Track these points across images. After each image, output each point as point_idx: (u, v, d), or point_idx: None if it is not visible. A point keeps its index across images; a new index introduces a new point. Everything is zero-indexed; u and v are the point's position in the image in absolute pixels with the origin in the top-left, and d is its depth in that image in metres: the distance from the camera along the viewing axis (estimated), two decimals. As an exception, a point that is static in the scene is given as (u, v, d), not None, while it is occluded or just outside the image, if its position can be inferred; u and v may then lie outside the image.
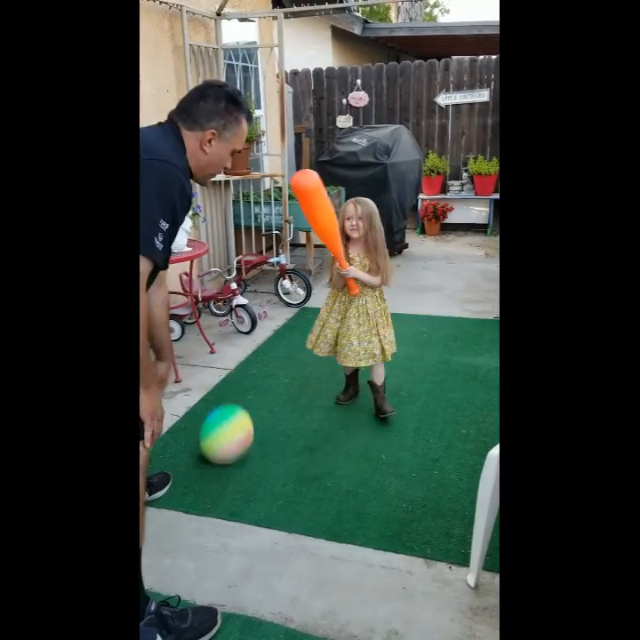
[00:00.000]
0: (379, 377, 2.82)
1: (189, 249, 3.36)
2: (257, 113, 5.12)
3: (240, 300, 3.84)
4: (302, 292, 4.42)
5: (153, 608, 1.56)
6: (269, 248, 4.94)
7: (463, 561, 1.85)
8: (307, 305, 4.41)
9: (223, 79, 4.74)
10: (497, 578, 1.81)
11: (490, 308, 4.21)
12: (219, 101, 1.54)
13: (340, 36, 8.55)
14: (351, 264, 2.68)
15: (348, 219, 2.64)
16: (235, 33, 5.11)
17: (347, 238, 2.69)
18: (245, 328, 3.92)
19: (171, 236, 1.48)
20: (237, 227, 4.93)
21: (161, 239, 1.42)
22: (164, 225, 1.43)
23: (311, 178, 2.48)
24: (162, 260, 1.48)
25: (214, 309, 4.20)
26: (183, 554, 1.95)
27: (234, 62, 5.05)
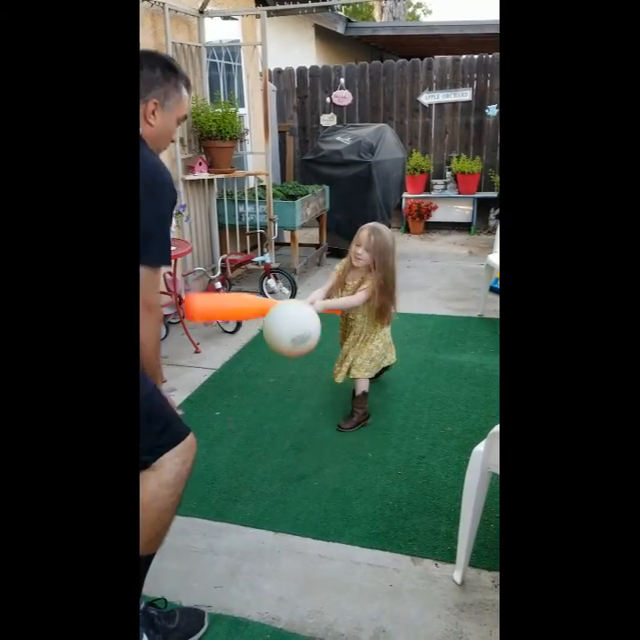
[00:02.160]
0: (358, 386, 2.78)
1: (173, 248, 3.33)
2: (241, 111, 5.09)
3: None
4: (287, 291, 4.41)
5: (141, 607, 1.55)
6: (254, 247, 4.92)
7: (449, 558, 1.86)
8: (292, 304, 4.40)
9: (206, 77, 4.71)
10: (483, 574, 1.82)
11: (474, 306, 4.23)
12: (153, 70, 1.48)
13: (323, 34, 8.55)
14: (345, 290, 2.65)
15: (358, 245, 2.54)
16: (218, 31, 5.08)
17: (350, 260, 2.61)
18: (230, 327, 3.91)
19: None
20: (221, 225, 4.91)
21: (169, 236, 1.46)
22: (169, 222, 1.46)
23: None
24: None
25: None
26: (168, 555, 1.93)
27: (217, 60, 5.02)
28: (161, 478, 1.46)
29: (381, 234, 2.53)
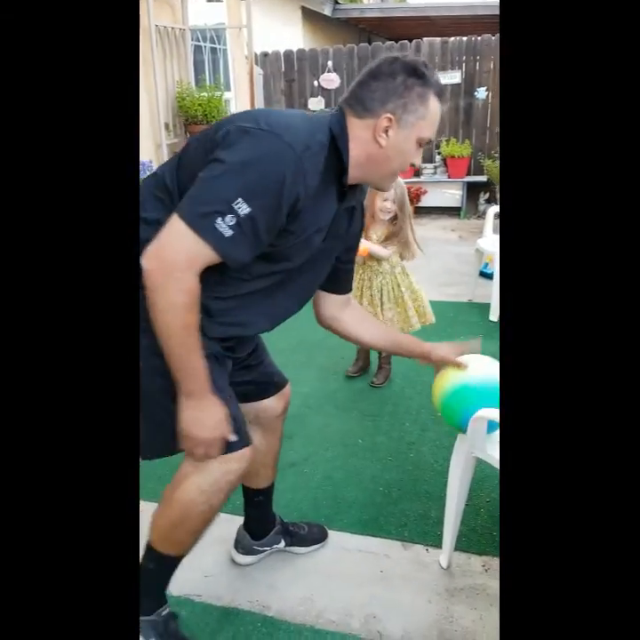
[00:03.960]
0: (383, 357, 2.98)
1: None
2: (227, 95, 5.02)
3: None
4: None
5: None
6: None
7: (440, 543, 1.86)
8: (281, 291, 4.37)
9: (191, 61, 4.64)
10: (473, 558, 1.83)
11: (464, 291, 4.22)
12: (394, 77, 1.18)
13: (310, 17, 8.43)
14: (369, 240, 2.75)
15: (385, 200, 2.65)
16: (202, 13, 4.99)
17: (371, 215, 2.71)
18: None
19: (264, 232, 1.13)
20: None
21: (231, 224, 1.08)
22: (244, 209, 1.08)
23: None
24: (234, 256, 1.13)
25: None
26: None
27: (202, 44, 4.94)
28: (198, 479, 1.30)
29: (400, 184, 2.67)
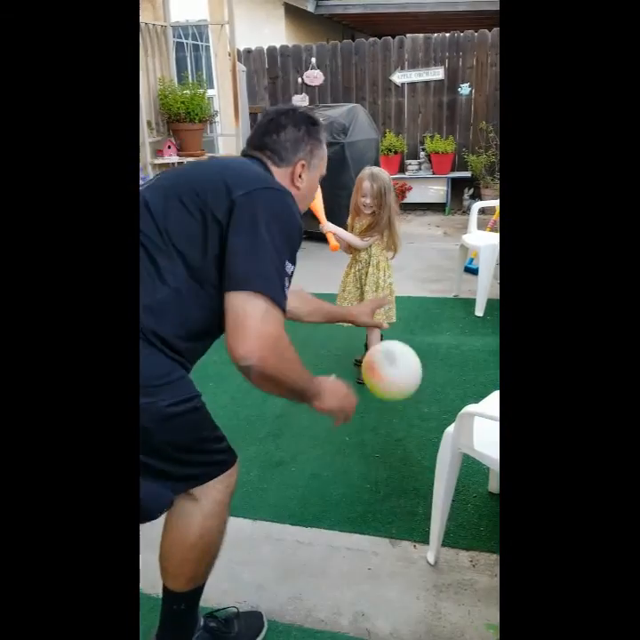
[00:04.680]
0: (369, 341, 3.01)
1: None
2: (209, 92, 4.98)
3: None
4: None
5: (201, 623, 1.49)
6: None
7: (427, 539, 1.87)
8: (267, 289, 4.36)
9: (173, 58, 4.60)
10: (460, 554, 1.84)
11: (449, 287, 4.24)
12: (298, 127, 1.37)
13: (293, 13, 8.39)
14: (353, 232, 2.84)
15: (364, 196, 2.74)
16: (184, 10, 4.94)
17: (354, 209, 2.83)
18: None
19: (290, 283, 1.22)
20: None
21: (287, 285, 1.16)
22: (290, 268, 1.19)
23: None
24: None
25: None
26: (148, 547, 1.90)
27: (184, 40, 4.90)
28: (205, 510, 1.29)
29: (381, 179, 2.73)
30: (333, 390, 1.37)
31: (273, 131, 1.37)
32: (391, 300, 2.95)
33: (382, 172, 2.80)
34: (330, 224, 2.73)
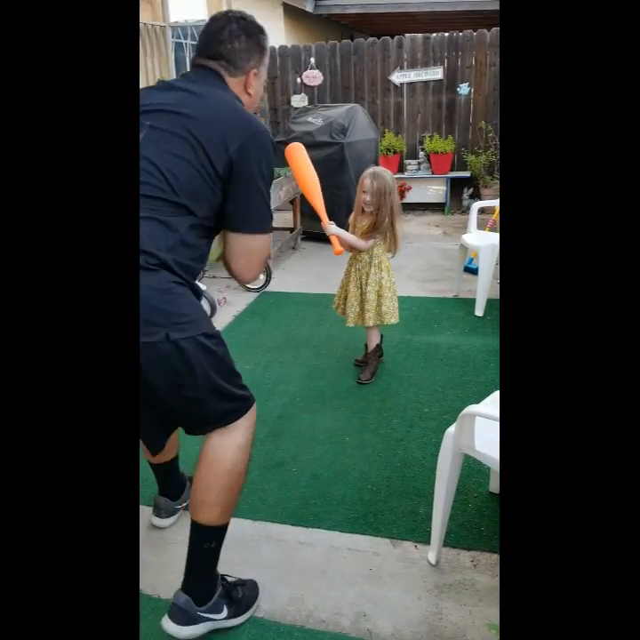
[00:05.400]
0: (369, 341, 3.02)
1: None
2: (209, 93, 4.98)
3: (198, 285, 3.76)
4: (262, 277, 4.36)
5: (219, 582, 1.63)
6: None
7: (428, 539, 1.86)
8: (267, 289, 4.36)
9: (172, 58, 4.60)
10: (462, 554, 1.84)
11: (449, 287, 4.24)
12: (250, 37, 1.42)
13: (291, 13, 8.39)
14: (354, 233, 2.83)
15: (365, 193, 2.75)
16: (183, 10, 4.95)
17: (358, 208, 2.83)
18: (205, 314, 3.85)
19: None
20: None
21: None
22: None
23: (296, 145, 2.62)
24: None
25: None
26: (146, 547, 1.91)
27: (183, 41, 4.90)
28: (238, 440, 1.46)
29: (382, 177, 2.75)
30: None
31: (227, 40, 1.41)
32: (394, 300, 2.94)
33: (385, 172, 2.80)
34: (333, 227, 2.70)
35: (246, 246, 1.43)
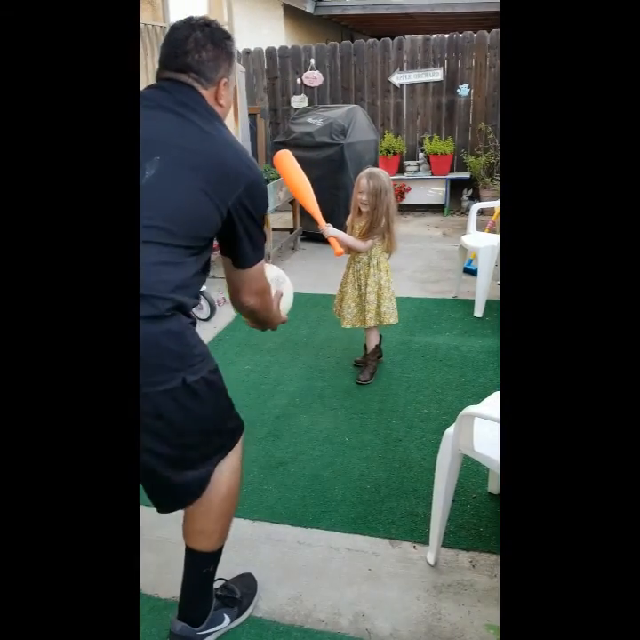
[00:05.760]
0: (368, 342, 3.03)
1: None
2: (209, 94, 4.98)
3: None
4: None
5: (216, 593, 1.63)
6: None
7: (427, 539, 1.87)
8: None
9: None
10: (460, 554, 1.84)
11: (448, 288, 4.24)
12: (217, 44, 1.33)
13: (292, 14, 8.40)
14: (352, 234, 2.83)
15: (361, 193, 2.76)
16: (183, 10, 4.95)
17: (355, 209, 2.83)
18: (204, 315, 3.86)
19: None
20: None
21: None
22: None
23: (283, 152, 2.55)
24: None
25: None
26: (146, 547, 1.91)
27: (183, 41, 4.90)
28: (233, 466, 1.46)
29: (378, 178, 2.75)
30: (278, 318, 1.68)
31: (193, 50, 1.31)
32: (393, 301, 2.95)
33: (381, 173, 2.81)
34: (331, 229, 2.70)
35: (249, 277, 1.45)
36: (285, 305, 1.77)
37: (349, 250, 2.88)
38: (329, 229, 2.69)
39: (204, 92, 1.34)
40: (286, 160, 2.49)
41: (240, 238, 1.35)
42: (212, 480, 1.42)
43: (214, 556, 1.52)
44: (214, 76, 1.33)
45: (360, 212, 2.83)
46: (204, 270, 1.37)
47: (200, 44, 1.31)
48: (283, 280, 1.78)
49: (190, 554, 1.50)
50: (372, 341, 3.03)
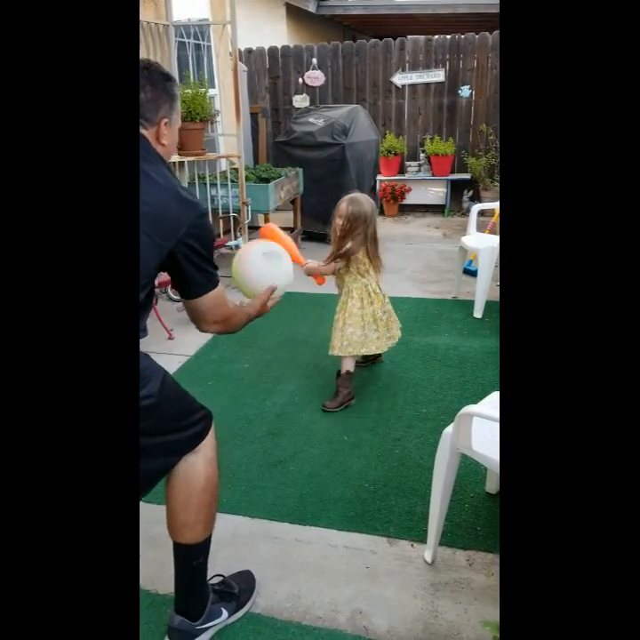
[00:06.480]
0: (341, 366, 2.81)
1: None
2: (211, 92, 4.99)
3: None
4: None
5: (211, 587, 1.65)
6: (227, 231, 4.86)
7: (425, 538, 1.88)
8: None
9: (175, 57, 4.60)
10: (457, 553, 1.85)
11: (448, 289, 4.25)
12: (156, 86, 1.38)
13: (294, 14, 8.40)
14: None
15: (340, 216, 2.64)
16: (186, 9, 4.96)
17: (334, 233, 2.70)
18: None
19: None
20: (194, 210, 4.82)
21: None
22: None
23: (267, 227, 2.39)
24: None
25: (172, 295, 4.12)
26: (145, 543, 1.92)
27: (185, 40, 4.90)
28: (207, 457, 1.50)
29: (358, 204, 2.61)
30: (258, 306, 1.68)
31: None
32: (392, 314, 2.87)
33: (364, 199, 2.64)
34: (307, 266, 2.61)
35: (211, 303, 1.47)
36: (284, 283, 1.78)
37: (332, 274, 2.77)
38: (305, 268, 2.59)
39: (145, 132, 1.39)
40: (270, 235, 2.28)
41: (186, 271, 1.38)
42: (188, 473, 1.46)
43: (202, 547, 1.54)
44: (154, 117, 1.38)
45: (337, 236, 2.68)
46: (146, 305, 1.40)
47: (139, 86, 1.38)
48: (275, 256, 1.77)
49: (178, 548, 1.52)
50: (344, 367, 2.78)
